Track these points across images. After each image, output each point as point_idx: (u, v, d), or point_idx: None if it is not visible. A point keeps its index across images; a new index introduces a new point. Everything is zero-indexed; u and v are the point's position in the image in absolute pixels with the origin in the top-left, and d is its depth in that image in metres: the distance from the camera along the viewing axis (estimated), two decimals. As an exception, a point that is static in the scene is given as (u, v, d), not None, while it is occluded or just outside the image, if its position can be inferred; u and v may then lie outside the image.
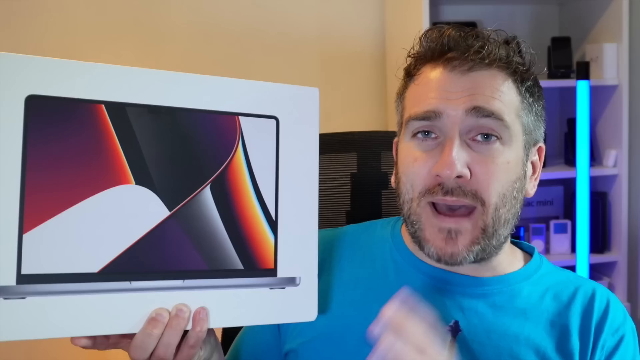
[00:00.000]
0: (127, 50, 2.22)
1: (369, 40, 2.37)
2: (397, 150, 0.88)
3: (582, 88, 2.04)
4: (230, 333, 1.04)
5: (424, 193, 0.79)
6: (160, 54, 2.23)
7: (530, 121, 0.83)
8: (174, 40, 2.24)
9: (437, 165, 0.77)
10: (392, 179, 0.88)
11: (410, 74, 0.85)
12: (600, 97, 2.23)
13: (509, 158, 0.79)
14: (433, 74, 0.81)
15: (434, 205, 0.79)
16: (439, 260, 0.79)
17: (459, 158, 0.76)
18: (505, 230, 0.81)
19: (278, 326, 0.88)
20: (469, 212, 0.79)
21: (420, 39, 0.84)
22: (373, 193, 1.11)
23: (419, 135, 0.81)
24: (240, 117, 0.76)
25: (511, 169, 0.80)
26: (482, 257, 0.80)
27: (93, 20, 2.19)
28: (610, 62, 2.17)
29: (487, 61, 0.79)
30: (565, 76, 2.21)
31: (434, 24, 2.13)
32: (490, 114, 0.78)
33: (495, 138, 0.79)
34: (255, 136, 0.76)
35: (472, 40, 0.80)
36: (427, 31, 0.84)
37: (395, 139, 0.89)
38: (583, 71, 2.04)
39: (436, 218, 0.79)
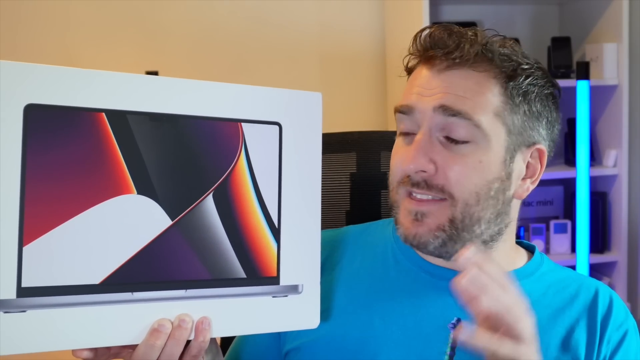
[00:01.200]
0: (126, 50, 2.22)
1: (369, 40, 2.37)
2: None
3: (582, 88, 2.04)
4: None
5: (400, 183, 0.82)
6: (160, 54, 2.24)
7: (516, 121, 0.82)
8: (173, 40, 2.24)
9: (403, 159, 0.80)
10: None
11: (410, 71, 0.87)
12: (600, 97, 2.23)
13: (481, 158, 0.79)
14: (417, 72, 0.84)
15: (409, 194, 0.82)
16: (406, 241, 0.82)
17: (422, 153, 0.78)
18: (486, 229, 0.81)
19: None
20: (438, 200, 0.80)
21: (415, 38, 0.85)
22: (372, 193, 1.11)
23: (404, 133, 0.83)
24: (242, 124, 0.75)
25: (484, 168, 0.79)
26: (454, 249, 0.80)
27: (93, 20, 2.19)
28: (610, 62, 2.17)
29: (458, 60, 0.80)
30: (565, 76, 2.21)
31: (434, 24, 2.12)
32: (456, 113, 0.78)
33: (465, 142, 0.79)
34: (257, 143, 0.75)
35: (453, 38, 0.81)
36: (422, 30, 0.85)
37: None
38: (583, 71, 2.04)
39: (408, 202, 0.81)
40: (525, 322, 0.67)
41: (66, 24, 2.18)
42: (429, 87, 0.80)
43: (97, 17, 2.20)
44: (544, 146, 0.86)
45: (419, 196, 0.80)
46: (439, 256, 0.82)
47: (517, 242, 0.92)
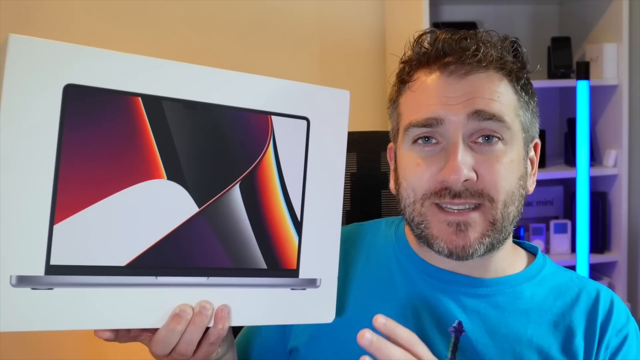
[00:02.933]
0: (127, 46, 2.22)
1: (369, 41, 2.37)
2: (393, 157, 0.88)
3: (582, 88, 2.04)
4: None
5: (428, 195, 0.79)
6: (160, 50, 2.23)
7: (527, 119, 0.83)
8: (174, 37, 2.24)
9: (443, 171, 0.77)
10: (391, 185, 0.88)
11: (403, 80, 0.85)
12: (600, 97, 2.23)
13: (512, 157, 0.80)
14: (430, 80, 0.81)
15: (438, 204, 0.79)
16: (450, 255, 0.79)
17: (465, 162, 0.76)
18: (512, 227, 0.82)
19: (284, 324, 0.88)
20: (475, 207, 0.79)
21: (412, 45, 0.84)
22: (373, 193, 1.11)
23: (420, 141, 0.81)
24: (272, 117, 0.75)
25: (515, 167, 0.80)
26: (491, 250, 0.80)
27: (94, 15, 2.19)
28: (610, 62, 2.16)
29: (484, 64, 0.79)
30: (565, 76, 2.21)
31: (434, 24, 2.12)
32: (491, 117, 0.78)
33: (497, 139, 0.79)
34: (286, 136, 0.76)
35: (466, 43, 0.80)
36: (420, 36, 0.84)
37: (390, 145, 0.89)
38: (583, 71, 2.03)
39: (443, 214, 0.79)
40: None
41: (67, 23, 2.18)
42: (454, 94, 0.79)
43: (97, 16, 2.20)
44: (538, 139, 0.88)
45: (454, 208, 0.78)
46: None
47: (518, 243, 0.92)
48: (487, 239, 0.78)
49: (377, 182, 1.11)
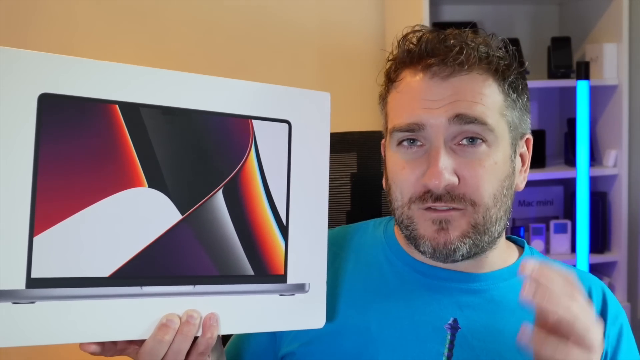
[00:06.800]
0: (126, 49, 2.22)
1: (369, 41, 2.37)
2: (384, 153, 0.88)
3: (582, 88, 2.04)
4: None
5: (414, 200, 0.80)
6: (159, 52, 2.24)
7: (515, 117, 0.83)
8: (173, 39, 2.24)
9: (425, 176, 0.78)
10: (384, 182, 0.89)
11: (391, 78, 0.85)
12: (600, 97, 2.23)
13: (496, 159, 0.79)
14: (414, 82, 0.81)
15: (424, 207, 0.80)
16: (433, 252, 0.79)
17: (446, 167, 0.77)
18: (498, 227, 0.81)
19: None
20: (458, 209, 0.79)
21: (398, 43, 0.84)
22: (373, 193, 1.11)
23: (405, 143, 0.81)
24: (253, 121, 0.75)
25: (499, 169, 0.80)
26: (476, 252, 0.80)
27: (92, 19, 2.19)
28: (610, 62, 2.16)
29: (466, 66, 0.78)
30: (565, 76, 2.21)
31: (434, 24, 2.12)
32: (473, 120, 0.78)
33: (481, 141, 0.79)
34: (267, 140, 0.75)
35: (450, 43, 0.79)
36: (406, 35, 0.84)
37: (383, 141, 0.90)
38: (583, 71, 2.03)
39: (428, 212, 0.79)
40: (595, 332, 0.65)
41: (67, 23, 2.18)
42: (436, 97, 0.78)
43: (97, 16, 2.20)
44: (529, 135, 0.87)
45: (439, 207, 0.78)
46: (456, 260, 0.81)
47: (507, 238, 0.92)
48: (468, 240, 0.79)
49: (377, 182, 1.10)
